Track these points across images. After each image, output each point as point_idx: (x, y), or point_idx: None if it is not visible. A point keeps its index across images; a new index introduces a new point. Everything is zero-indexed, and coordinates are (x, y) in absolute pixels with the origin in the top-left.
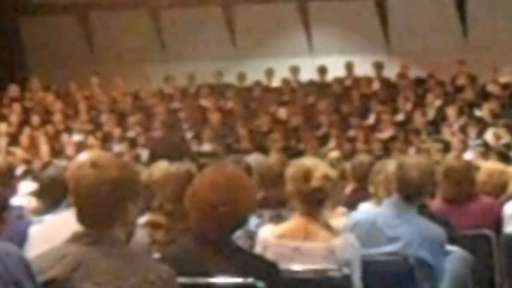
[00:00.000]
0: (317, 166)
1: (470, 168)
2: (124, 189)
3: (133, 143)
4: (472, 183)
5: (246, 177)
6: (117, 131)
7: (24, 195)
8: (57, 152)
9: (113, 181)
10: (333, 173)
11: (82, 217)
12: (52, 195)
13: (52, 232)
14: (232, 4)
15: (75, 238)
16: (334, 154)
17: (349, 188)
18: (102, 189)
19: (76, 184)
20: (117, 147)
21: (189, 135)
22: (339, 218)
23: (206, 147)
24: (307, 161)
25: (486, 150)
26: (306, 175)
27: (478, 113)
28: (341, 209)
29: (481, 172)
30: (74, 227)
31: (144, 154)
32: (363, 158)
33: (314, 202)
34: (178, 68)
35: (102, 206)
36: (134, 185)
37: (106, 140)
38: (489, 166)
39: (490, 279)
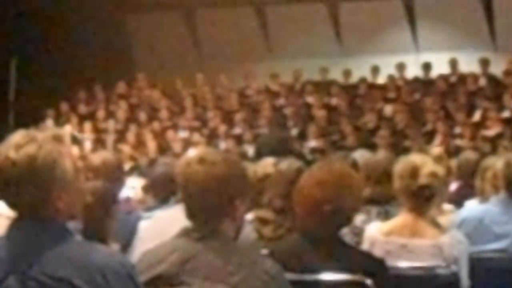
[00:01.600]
0: (425, 163)
1: None
2: (232, 185)
3: (239, 140)
4: None
5: (354, 175)
6: (222, 128)
7: (131, 188)
8: (163, 149)
9: (222, 177)
10: (440, 170)
11: (191, 213)
12: (162, 191)
13: (161, 228)
14: (337, 1)
15: (184, 234)
16: (437, 150)
17: (454, 185)
18: (210, 185)
19: (185, 180)
20: (223, 144)
21: (294, 131)
22: (446, 215)
23: (312, 143)
24: (415, 158)
25: None
26: (414, 172)
27: None
28: (448, 206)
29: None
30: (183, 223)
31: (250, 150)
32: (469, 155)
33: (421, 199)
34: (284, 65)
35: (211, 202)
36: (242, 181)
37: (212, 137)
38: None
39: None
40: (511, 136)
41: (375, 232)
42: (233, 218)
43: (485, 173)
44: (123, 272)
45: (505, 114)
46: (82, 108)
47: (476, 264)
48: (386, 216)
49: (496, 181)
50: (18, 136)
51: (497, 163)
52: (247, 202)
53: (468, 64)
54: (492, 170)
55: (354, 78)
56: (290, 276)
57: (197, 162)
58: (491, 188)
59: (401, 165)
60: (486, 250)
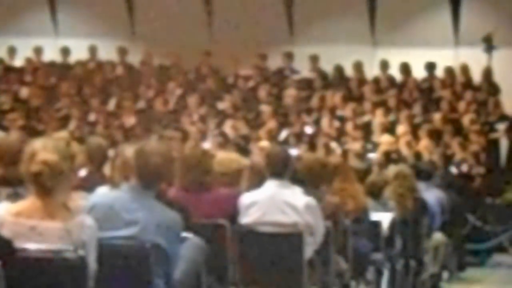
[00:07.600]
0: (43, 149)
1: (206, 157)
2: None
3: None
4: (207, 172)
5: None
6: None
7: None
8: None
9: None
10: (53, 158)
11: None
12: None
13: None
14: None
15: None
16: (62, 134)
17: (83, 171)
18: None
19: None
20: None
21: None
22: (76, 200)
23: None
24: (38, 143)
25: (224, 141)
26: (31, 157)
27: (220, 105)
28: (78, 192)
29: (216, 162)
30: None
31: None
32: (99, 141)
33: (39, 184)
34: None
35: None
36: None
37: None
38: (223, 156)
39: (223, 267)
40: (145, 126)
41: (4, 213)
42: None
43: (114, 160)
44: None
45: (140, 104)
46: None
47: (105, 249)
48: (16, 197)
49: (126, 169)
50: None
51: (127, 150)
52: None
53: (107, 51)
54: (121, 158)
55: None
56: None
57: None
58: (121, 175)
59: (29, 148)
60: (115, 237)
